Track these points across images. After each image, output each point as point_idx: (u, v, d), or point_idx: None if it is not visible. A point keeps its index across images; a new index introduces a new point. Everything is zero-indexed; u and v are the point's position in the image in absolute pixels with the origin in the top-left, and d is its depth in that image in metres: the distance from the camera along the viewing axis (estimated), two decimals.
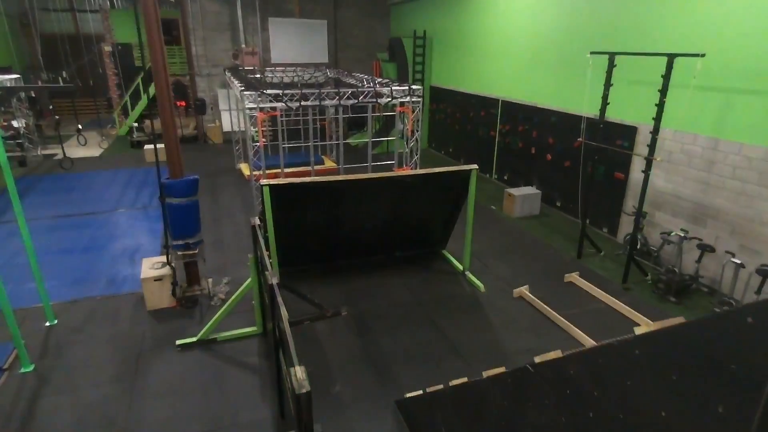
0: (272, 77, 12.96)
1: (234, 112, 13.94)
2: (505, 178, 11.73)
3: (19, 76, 14.08)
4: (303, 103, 7.19)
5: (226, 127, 16.57)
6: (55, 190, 11.65)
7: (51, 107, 21.55)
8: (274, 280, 4.00)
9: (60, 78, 17.37)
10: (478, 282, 7.10)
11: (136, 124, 16.98)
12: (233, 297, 5.60)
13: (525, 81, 10.53)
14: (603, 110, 7.12)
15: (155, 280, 6.31)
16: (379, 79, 9.15)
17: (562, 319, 6.18)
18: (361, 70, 16.54)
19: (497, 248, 8.41)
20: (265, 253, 4.77)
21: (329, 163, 13.28)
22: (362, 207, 6.71)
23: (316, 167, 13.03)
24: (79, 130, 12.16)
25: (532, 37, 10.11)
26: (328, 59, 17.35)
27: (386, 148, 14.94)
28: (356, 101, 7.43)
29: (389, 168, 9.10)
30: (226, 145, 15.89)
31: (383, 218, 7.05)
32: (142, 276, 6.28)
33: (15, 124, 14.58)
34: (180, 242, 6.47)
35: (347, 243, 7.32)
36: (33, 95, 17.84)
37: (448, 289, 7.09)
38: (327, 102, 7.34)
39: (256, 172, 8.27)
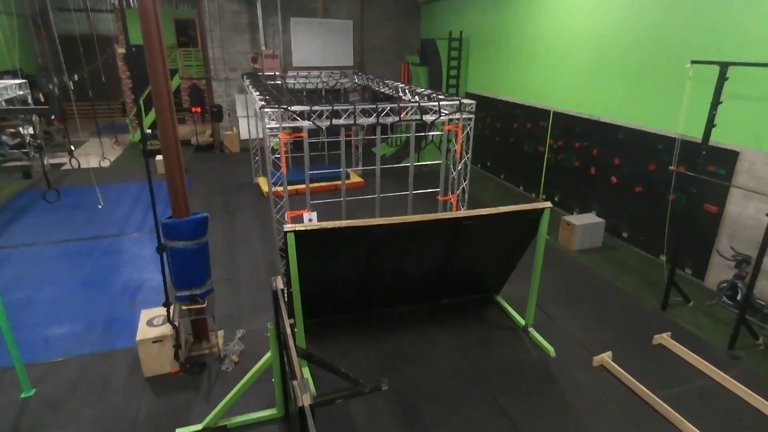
0: (294, 83, 11.78)
1: (252, 119, 12.84)
2: (556, 200, 10.34)
3: (24, 81, 13.15)
4: (335, 122, 5.96)
5: (244, 135, 15.49)
6: (59, 207, 10.63)
7: (58, 113, 20.90)
8: (305, 400, 2.77)
9: (70, 81, 16.49)
10: (546, 343, 5.78)
11: (149, 131, 16.00)
12: (247, 376, 4.39)
13: (585, 91, 9.14)
14: (707, 133, 5.71)
15: (154, 342, 5.14)
16: (420, 89, 7.87)
17: (661, 402, 4.83)
18: (388, 75, 15.30)
19: (560, 292, 7.07)
20: (287, 323, 3.58)
21: (355, 178, 12.05)
22: (406, 252, 5.44)
23: (341, 182, 11.83)
24: (71, 153, 11.07)
25: (597, 41, 8.71)
26: (353, 62, 16.13)
27: (417, 160, 13.64)
28: (398, 119, 6.19)
29: (428, 188, 7.83)
30: (244, 154, 14.80)
31: (430, 264, 5.78)
32: (139, 337, 5.12)
33: (23, 131, 13.72)
34: (185, 293, 5.30)
35: (385, 291, 6.07)
36: (42, 99, 16.99)
37: (510, 352, 5.78)
38: (363, 120, 6.11)
39: (276, 188, 7.06)
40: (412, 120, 6.28)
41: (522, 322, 6.19)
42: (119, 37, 17.13)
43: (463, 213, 5.05)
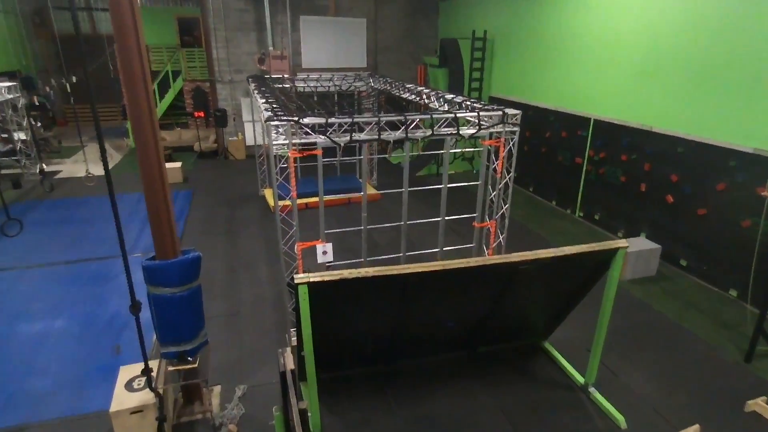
0: (304, 87, 10.78)
1: (258, 124, 11.86)
2: (596, 218, 9.24)
3: (14, 84, 12.27)
4: (356, 137, 4.94)
5: (249, 141, 14.54)
6: (48, 222, 9.73)
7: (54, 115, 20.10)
8: None
9: (67, 84, 15.62)
10: (613, 410, 4.70)
11: None
12: None
13: (635, 97, 8.04)
14: None
15: (132, 413, 4.14)
16: (450, 96, 6.82)
17: None
18: (404, 77, 14.26)
19: (617, 335, 5.99)
20: (297, 410, 2.58)
21: (370, 190, 11.01)
22: (445, 300, 4.40)
23: (355, 194, 10.83)
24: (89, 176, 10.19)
25: (652, 39, 7.62)
26: (366, 63, 15.11)
27: (436, 170, 12.61)
28: (430, 133, 5.15)
29: (454, 204, 6.75)
30: (249, 162, 13.83)
31: (472, 311, 4.73)
32: (114, 407, 4.12)
33: (17, 136, 12.83)
34: (172, 349, 4.30)
35: (415, 341, 5.03)
36: (36, 103, 16.16)
37: (570, 421, 4.70)
38: (389, 135, 5.07)
39: (282, 203, 6.01)
40: (446, 134, 5.24)
41: (580, 379, 5.10)
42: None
43: (519, 256, 3.99)
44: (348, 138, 4.97)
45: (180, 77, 16.00)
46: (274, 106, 5.89)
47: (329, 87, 10.95)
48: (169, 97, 15.93)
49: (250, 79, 9.69)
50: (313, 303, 3.68)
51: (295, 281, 3.63)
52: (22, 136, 12.56)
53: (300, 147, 4.98)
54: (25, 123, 12.51)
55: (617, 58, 8.31)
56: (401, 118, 5.12)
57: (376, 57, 15.15)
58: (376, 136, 5.08)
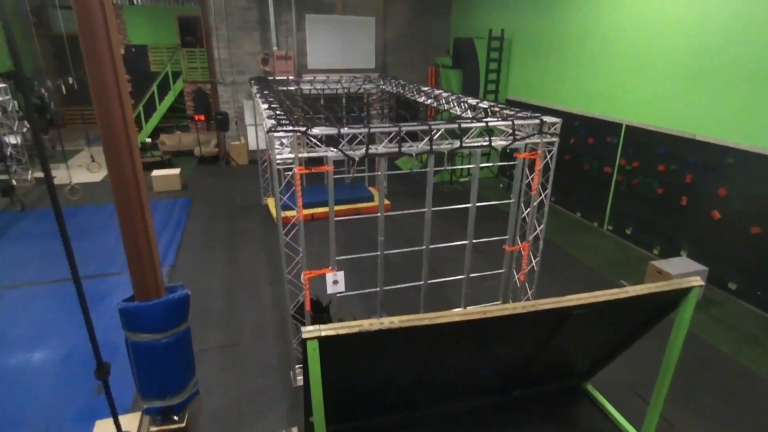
0: (310, 89, 10.09)
1: (261, 128, 11.18)
2: (627, 232, 8.49)
3: (4, 85, 11.65)
4: (372, 150, 4.23)
5: (252, 145, 13.86)
6: (33, 234, 9.06)
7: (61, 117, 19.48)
8: None
9: (63, 85, 15.00)
10: None
11: (149, 140, 14.45)
12: None
13: (675, 101, 7.30)
14: None
15: None
16: (474, 100, 6.11)
17: None
18: (414, 78, 13.54)
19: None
20: None
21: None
22: (482, 347, 3.69)
23: (364, 204, 10.12)
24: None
25: (696, 38, 6.88)
26: (375, 64, 14.41)
27: (449, 177, 11.89)
28: (458, 145, 4.43)
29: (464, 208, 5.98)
30: (252, 168, 13.16)
31: (511, 356, 4.02)
32: None
33: (10, 140, 12.19)
34: (156, 404, 3.60)
35: (440, 389, 4.32)
36: (39, 102, 15.56)
37: None
38: (411, 148, 4.36)
39: (286, 213, 5.23)
40: (476, 146, 4.53)
41: (630, 431, 4.39)
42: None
43: (575, 300, 3.27)
44: (363, 151, 4.25)
45: (180, 78, 15.34)
46: (278, 112, 5.18)
47: (337, 89, 10.26)
48: (169, 99, 15.27)
49: (252, 81, 9.01)
50: (325, 358, 2.98)
51: (303, 335, 2.93)
52: (12, 140, 11.92)
53: (307, 161, 4.28)
54: (16, 126, 11.86)
55: (656, 59, 7.57)
56: (425, 127, 4.41)
57: (384, 57, 14.44)
58: (396, 149, 4.36)
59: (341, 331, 2.97)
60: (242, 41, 13.36)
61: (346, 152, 4.19)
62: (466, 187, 11.82)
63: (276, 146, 4.11)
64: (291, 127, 4.14)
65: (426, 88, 7.77)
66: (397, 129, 4.32)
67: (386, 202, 10.31)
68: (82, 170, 13.24)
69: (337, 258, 4.64)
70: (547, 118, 4.76)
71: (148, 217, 3.43)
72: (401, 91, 8.89)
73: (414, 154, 4.34)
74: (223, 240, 8.76)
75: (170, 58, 15.21)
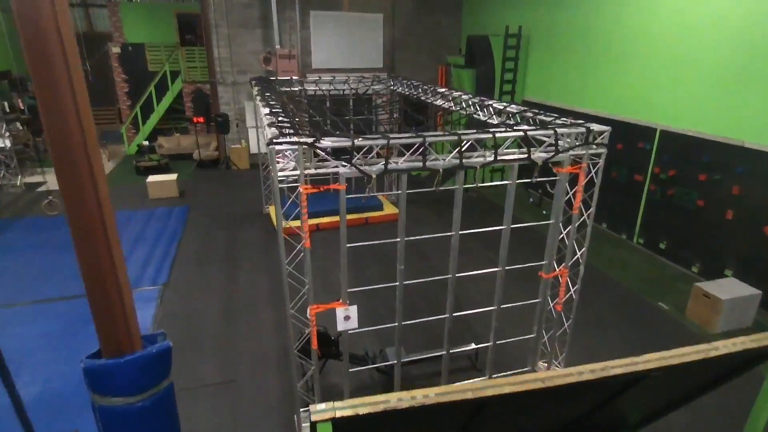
0: (315, 90, 9.42)
1: (263, 130, 10.52)
2: (660, 247, 7.78)
3: None
4: (393, 164, 3.55)
5: (254, 149, 13.20)
6: (17, 248, 8.42)
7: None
8: None
9: None
10: None
11: (146, 143, 13.82)
12: None
13: (719, 105, 6.59)
14: None
15: None
16: (501, 104, 5.43)
17: None
18: (424, 78, 12.84)
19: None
20: None
21: (389, 208, 9.62)
22: (527, 416, 3.00)
23: (373, 214, 9.46)
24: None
25: (746, 34, 6.17)
26: (382, 64, 13.73)
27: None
28: (492, 159, 3.75)
29: (486, 223, 5.22)
30: (253, 172, 12.49)
31: (553, 421, 3.33)
32: None
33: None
34: None
35: None
36: (22, 106, 14.95)
37: None
38: (437, 163, 3.67)
39: (288, 223, 4.53)
40: (514, 159, 3.85)
41: None
42: (114, 34, 14.96)
43: (652, 360, 2.58)
44: (382, 166, 3.58)
45: (179, 78, 14.72)
46: (281, 117, 4.51)
47: (343, 91, 9.58)
48: (167, 100, 14.65)
49: (253, 82, 8.35)
50: None
51: (312, 416, 2.23)
52: (0, 143, 11.30)
53: (315, 177, 3.62)
54: (3, 129, 11.23)
55: (698, 57, 6.86)
56: (453, 137, 3.72)
57: (393, 56, 13.76)
58: (420, 163, 3.68)
59: (361, 411, 2.29)
60: (243, 39, 12.71)
61: (363, 168, 3.51)
62: (481, 193, 11.12)
63: (278, 160, 3.44)
64: (295, 138, 3.47)
65: (443, 90, 7.08)
66: (420, 139, 3.64)
67: (395, 211, 9.64)
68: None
69: (349, 290, 3.96)
70: (595, 127, 4.07)
71: (115, 246, 2.76)
72: (414, 93, 8.21)
73: (441, 170, 3.66)
74: (221, 253, 8.10)
75: (168, 57, 14.59)
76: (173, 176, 10.89)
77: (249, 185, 11.69)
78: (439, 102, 6.92)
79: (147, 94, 14.41)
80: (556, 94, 10.16)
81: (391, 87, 9.36)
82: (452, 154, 3.75)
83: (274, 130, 3.82)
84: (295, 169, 3.52)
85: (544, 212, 9.37)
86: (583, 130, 4.05)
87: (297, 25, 12.62)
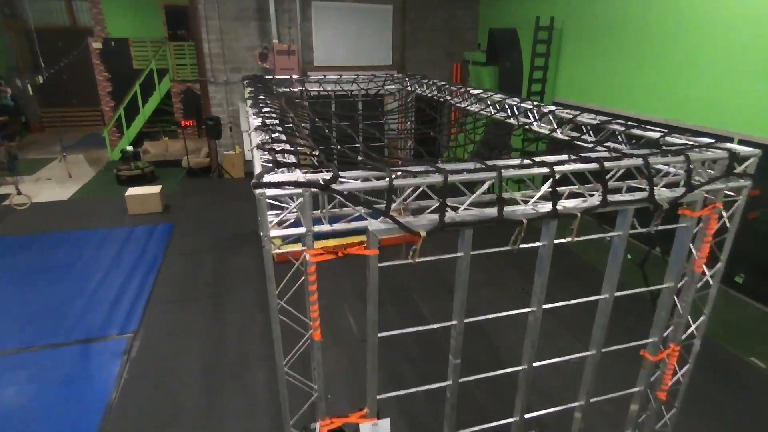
0: (318, 91, 8.10)
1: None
2: (737, 281, 6.48)
3: None
4: (453, 214, 2.25)
5: (249, 155, 11.84)
6: None
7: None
8: None
9: (28, 86, 13.08)
10: None
11: (130, 148, 12.47)
12: None
13: None
14: None
15: None
16: (565, 113, 4.12)
17: None
18: (438, 76, 11.51)
19: None
20: None
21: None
22: None
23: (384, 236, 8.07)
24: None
25: None
26: (391, 60, 12.40)
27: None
28: (599, 201, 2.45)
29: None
30: (248, 182, 11.05)
31: None
32: None
33: None
34: None
35: None
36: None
37: None
38: (518, 210, 2.37)
39: (288, 247, 3.14)
40: (629, 201, 2.54)
41: None
42: (95, 28, 13.60)
43: None
44: (436, 219, 2.26)
45: (167, 77, 13.37)
46: (277, 133, 3.20)
47: (351, 92, 8.26)
48: (154, 101, 13.30)
49: (245, 82, 7.03)
50: None
51: None
52: None
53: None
54: None
55: None
56: (544, 170, 2.40)
57: (403, 53, 12.41)
58: (492, 210, 2.36)
59: None
60: (237, 33, 11.36)
61: (406, 223, 2.19)
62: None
63: (270, 215, 2.13)
64: (299, 173, 2.16)
65: (477, 91, 5.76)
66: (493, 173, 2.31)
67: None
68: (49, 184, 11.27)
69: (380, 396, 2.64)
70: (740, 149, 2.76)
71: None
72: (436, 94, 6.89)
73: (525, 221, 2.34)
74: (207, 286, 6.78)
75: (155, 53, 13.23)
76: (156, 189, 9.55)
77: (243, 197, 10.35)
78: (476, 108, 5.59)
79: (131, 94, 13.06)
80: (595, 95, 8.84)
81: (408, 87, 8.02)
82: (540, 193, 2.43)
83: (264, 158, 2.50)
84: (296, 222, 2.20)
85: (630, 257, 7.38)
86: (722, 154, 2.73)
87: (297, 17, 11.28)
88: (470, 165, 2.39)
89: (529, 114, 4.53)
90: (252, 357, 5.30)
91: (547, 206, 2.44)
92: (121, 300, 6.36)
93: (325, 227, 2.29)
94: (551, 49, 9.56)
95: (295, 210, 2.15)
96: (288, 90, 7.80)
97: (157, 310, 6.16)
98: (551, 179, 2.40)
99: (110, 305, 6.25)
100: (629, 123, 3.64)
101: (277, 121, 3.91)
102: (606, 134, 3.68)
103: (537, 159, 2.51)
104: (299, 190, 2.10)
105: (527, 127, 4.48)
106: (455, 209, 2.41)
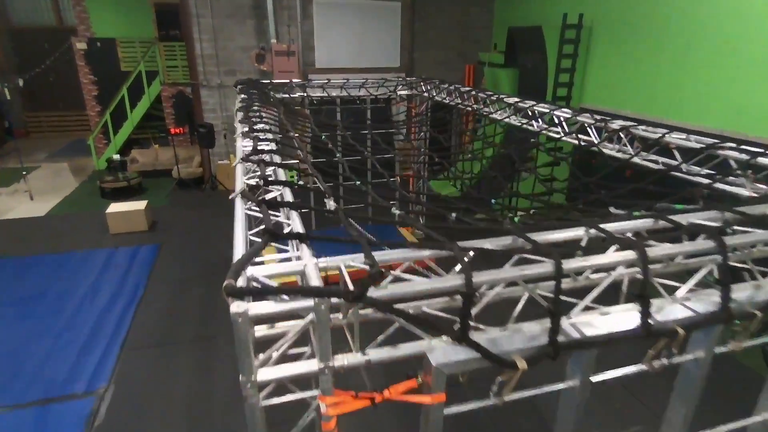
0: (321, 97, 7.16)
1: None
2: None
3: None
4: (571, 330, 1.33)
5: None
6: None
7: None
8: None
9: (5, 89, 12.12)
10: None
11: (117, 157, 11.51)
12: None
13: None
14: None
15: None
16: (597, 121, 3.19)
17: None
18: (449, 78, 10.58)
19: None
20: None
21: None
22: None
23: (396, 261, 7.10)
24: None
25: None
26: (399, 62, 11.46)
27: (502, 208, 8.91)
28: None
29: None
30: None
31: None
32: None
33: None
34: None
35: None
36: None
37: None
38: (669, 313, 1.44)
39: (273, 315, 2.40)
40: None
41: None
42: (79, 27, 12.65)
43: None
44: (544, 337, 1.31)
45: (157, 80, 12.42)
46: (273, 167, 2.27)
47: (358, 98, 7.31)
48: (143, 105, 12.35)
49: (239, 87, 6.08)
50: None
51: None
52: None
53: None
54: None
55: None
56: (709, 245, 1.46)
57: (412, 53, 11.47)
58: (638, 323, 1.42)
59: None
60: (232, 32, 10.41)
61: (501, 354, 1.25)
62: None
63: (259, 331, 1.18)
64: (310, 261, 1.23)
65: (514, 100, 4.82)
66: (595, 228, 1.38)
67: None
68: (27, 197, 10.31)
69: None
70: None
71: None
72: (459, 101, 5.95)
73: (681, 330, 1.41)
74: (194, 324, 5.83)
75: (144, 54, 12.28)
76: (141, 204, 8.59)
77: None
78: (512, 120, 4.65)
79: (119, 98, 12.11)
80: (630, 100, 7.90)
81: (423, 93, 7.08)
82: (694, 281, 1.48)
83: (261, 232, 1.58)
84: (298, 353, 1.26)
85: None
86: None
87: (297, 14, 10.34)
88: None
89: (591, 131, 3.59)
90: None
91: (706, 300, 1.50)
92: (91, 345, 5.41)
93: (358, 357, 1.34)
94: (578, 50, 8.63)
95: (309, 325, 1.21)
96: (287, 96, 6.86)
97: (132, 359, 5.20)
98: (722, 259, 1.45)
99: (78, 351, 5.29)
100: (743, 147, 2.71)
101: (273, 143, 2.99)
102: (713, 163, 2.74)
103: (684, 221, 1.56)
104: (309, 302, 1.16)
105: (594, 149, 3.53)
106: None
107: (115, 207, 8.51)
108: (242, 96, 5.12)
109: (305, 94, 6.88)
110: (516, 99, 4.90)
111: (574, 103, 9.01)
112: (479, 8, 11.67)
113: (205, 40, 10.31)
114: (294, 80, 7.37)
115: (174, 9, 12.89)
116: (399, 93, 7.28)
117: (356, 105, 7.49)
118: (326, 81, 7.00)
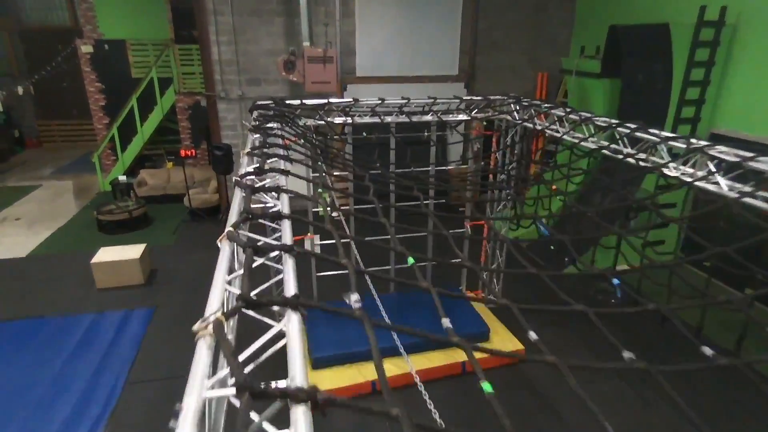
0: (365, 115, 5.16)
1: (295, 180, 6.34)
2: None
3: None
4: None
5: None
6: None
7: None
8: None
9: (16, 91, 10.64)
10: None
11: (123, 178, 9.86)
12: None
13: None
14: None
15: None
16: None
17: None
18: (517, 89, 8.40)
19: None
20: None
21: (501, 334, 5.29)
22: None
23: (481, 354, 5.03)
24: None
25: None
26: (457, 69, 9.39)
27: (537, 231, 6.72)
28: None
29: None
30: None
31: None
32: None
33: None
34: None
35: None
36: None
37: None
38: None
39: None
40: None
41: None
42: (84, 28, 11.05)
43: None
44: None
45: (171, 88, 10.72)
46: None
47: (419, 119, 5.27)
48: (155, 118, 10.67)
49: (254, 114, 4.17)
50: None
51: None
52: None
53: None
54: None
55: None
56: None
57: (474, 58, 9.36)
58: None
59: None
60: (256, 33, 8.57)
61: None
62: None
63: None
64: None
65: (670, 135, 2.69)
66: None
67: (509, 339, 5.28)
68: (15, 228, 8.71)
69: None
70: None
71: None
72: (559, 127, 3.83)
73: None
74: None
75: (157, 59, 10.60)
76: (137, 251, 6.79)
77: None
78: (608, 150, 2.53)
79: (127, 108, 10.46)
80: None
81: (517, 119, 4.97)
82: None
83: None
84: None
85: None
86: None
87: (336, 11, 8.40)
88: None
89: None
90: None
91: None
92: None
93: None
94: (716, 57, 6.37)
95: None
96: (325, 121, 4.90)
97: None
98: None
99: None
100: None
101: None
102: None
103: None
104: None
105: None
106: None
107: (103, 254, 6.73)
108: (255, 136, 3.16)
109: (349, 121, 4.89)
110: (670, 135, 2.78)
111: (703, 126, 6.75)
112: (556, 2, 9.47)
113: (223, 42, 8.49)
114: (331, 99, 5.34)
115: (192, 7, 11.17)
116: (496, 117, 5.20)
117: (413, 134, 5.49)
118: (379, 101, 4.97)
